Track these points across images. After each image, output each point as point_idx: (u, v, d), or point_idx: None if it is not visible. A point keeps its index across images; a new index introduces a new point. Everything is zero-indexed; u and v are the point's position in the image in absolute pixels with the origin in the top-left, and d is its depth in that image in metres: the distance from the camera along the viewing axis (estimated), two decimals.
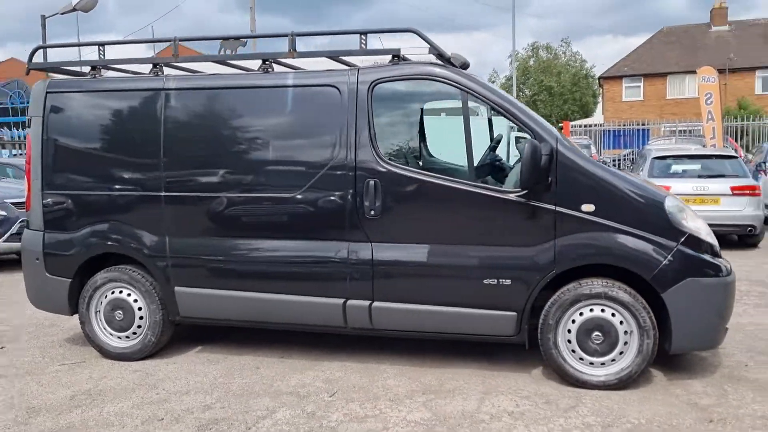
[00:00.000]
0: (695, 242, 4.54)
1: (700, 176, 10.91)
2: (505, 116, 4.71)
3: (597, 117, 42.62)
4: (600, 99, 47.01)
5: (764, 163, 14.27)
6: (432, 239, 4.81)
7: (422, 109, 6.09)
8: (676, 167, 11.31)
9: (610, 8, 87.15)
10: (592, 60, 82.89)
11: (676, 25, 43.46)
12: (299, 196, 4.96)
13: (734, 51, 38.46)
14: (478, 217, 4.74)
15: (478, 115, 5.31)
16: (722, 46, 39.86)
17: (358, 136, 4.83)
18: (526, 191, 4.57)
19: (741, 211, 10.33)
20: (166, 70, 5.46)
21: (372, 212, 4.81)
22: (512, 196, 4.63)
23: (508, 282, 4.67)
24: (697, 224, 4.63)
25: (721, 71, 37.81)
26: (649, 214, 4.55)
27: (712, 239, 4.64)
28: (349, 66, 5.21)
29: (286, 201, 5.00)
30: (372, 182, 4.79)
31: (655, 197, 4.63)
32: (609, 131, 24.66)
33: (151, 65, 5.43)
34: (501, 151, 7.10)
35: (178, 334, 5.71)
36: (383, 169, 4.80)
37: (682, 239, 4.49)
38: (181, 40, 5.24)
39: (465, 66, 4.93)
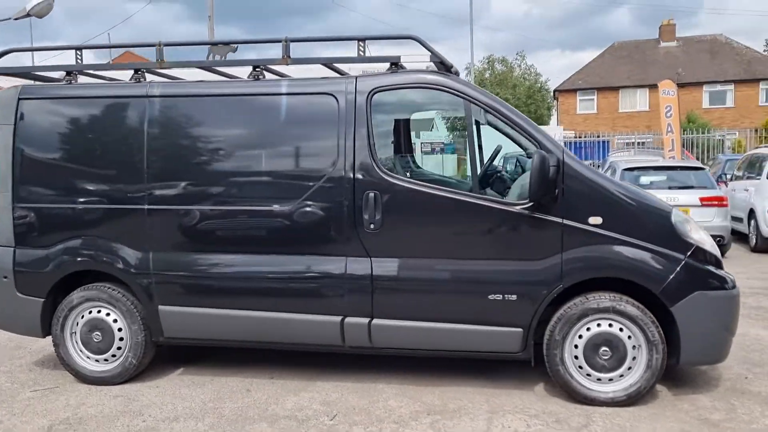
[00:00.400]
0: (702, 254, 4.48)
1: (669, 187, 11.04)
2: (509, 126, 4.59)
3: (552, 129, 43.32)
4: (554, 111, 47.83)
5: (724, 174, 14.59)
6: (434, 254, 4.64)
7: (427, 119, 5.92)
8: (645, 179, 11.42)
9: (558, 24, 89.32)
10: (543, 73, 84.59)
11: (627, 40, 44.58)
12: (295, 210, 4.73)
13: (682, 66, 39.64)
14: (482, 231, 4.59)
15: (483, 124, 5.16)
16: (671, 61, 41.04)
17: (356, 146, 4.64)
18: (532, 204, 4.45)
19: (710, 221, 10.48)
20: (149, 77, 5.17)
21: (371, 226, 4.61)
22: (518, 209, 4.50)
23: (514, 297, 4.53)
24: (701, 236, 4.59)
25: None
26: (657, 226, 4.49)
27: (716, 251, 4.60)
28: (340, 74, 5.02)
29: (281, 214, 4.77)
30: (372, 194, 4.60)
31: (662, 209, 4.57)
32: (569, 143, 25.05)
33: (132, 71, 5.13)
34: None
35: (158, 355, 5.38)
36: (383, 181, 4.61)
37: (690, 252, 4.44)
38: (166, 44, 4.97)
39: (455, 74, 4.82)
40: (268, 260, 4.84)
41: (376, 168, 4.62)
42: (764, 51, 47.01)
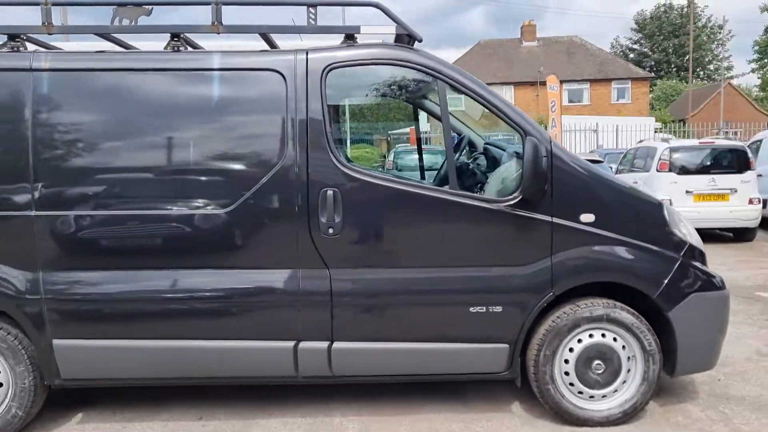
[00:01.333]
0: (693, 252, 4.11)
1: None
2: (488, 110, 3.95)
3: (422, 125, 43.74)
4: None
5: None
6: (406, 262, 3.92)
7: (389, 101, 5.15)
8: None
9: (416, 23, 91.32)
10: None
11: (491, 39, 46.07)
12: (232, 213, 3.83)
13: (543, 65, 41.48)
14: (461, 234, 3.93)
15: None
16: (533, 60, 42.87)
17: (309, 134, 3.82)
18: (517, 201, 3.85)
19: None
20: (30, 46, 4.03)
21: (330, 230, 3.81)
22: (503, 207, 3.88)
23: (499, 309, 3.92)
24: (689, 230, 4.21)
25: (532, 84, 40.77)
26: (651, 223, 4.05)
27: (702, 247, 4.24)
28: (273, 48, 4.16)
29: (214, 219, 3.84)
30: (330, 192, 3.80)
31: (654, 202, 4.14)
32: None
33: (5, 37, 3.96)
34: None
35: (49, 397, 4.23)
36: (343, 176, 3.83)
37: (683, 250, 4.04)
38: (55, 3, 3.86)
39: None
40: (198, 277, 3.90)
41: (334, 160, 3.83)
42: (610, 52, 50.37)
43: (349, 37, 3.98)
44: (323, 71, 3.84)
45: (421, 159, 6.23)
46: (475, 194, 4.02)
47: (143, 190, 3.88)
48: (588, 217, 3.92)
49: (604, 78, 42.25)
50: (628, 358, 3.99)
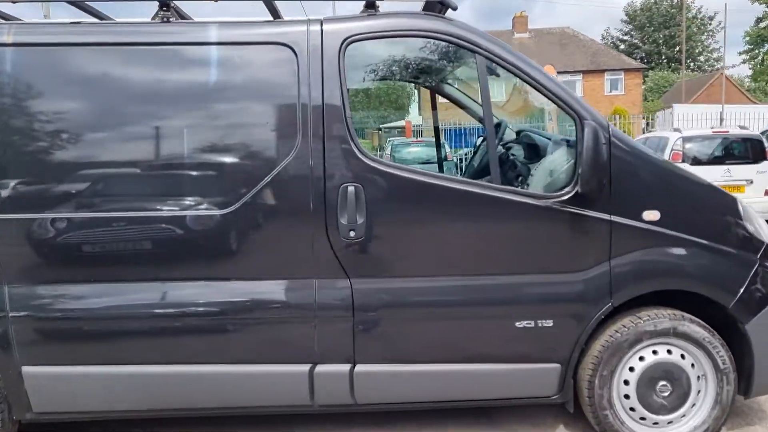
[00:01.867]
0: None
1: None
2: (537, 90, 3.36)
3: (413, 118, 43.22)
4: (414, 101, 47.76)
5: None
6: (441, 269, 3.33)
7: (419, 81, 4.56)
8: None
9: None
10: None
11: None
12: (233, 214, 3.22)
13: (535, 56, 40.66)
14: (506, 235, 3.34)
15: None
16: (525, 51, 41.56)
17: (326, 120, 3.21)
18: (569, 196, 3.27)
19: None
20: None
21: (351, 233, 3.22)
22: (553, 204, 3.29)
23: (549, 323, 3.34)
24: (763, 226, 3.65)
25: None
26: (724, 220, 3.49)
27: None
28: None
29: (212, 222, 3.24)
30: (351, 188, 3.20)
31: (727, 195, 3.57)
32: (451, 130, 24.60)
33: None
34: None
35: None
36: (367, 169, 3.23)
37: (762, 251, 3.48)
38: None
39: None
40: (195, 290, 3.29)
41: (356, 150, 3.23)
42: (602, 43, 49.92)
43: (370, 6, 3.37)
44: (342, 45, 3.23)
45: (438, 151, 5.64)
46: (521, 189, 3.43)
47: (127, 189, 3.27)
48: (652, 215, 3.34)
49: (597, 69, 41.73)
50: (698, 377, 3.44)
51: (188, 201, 3.26)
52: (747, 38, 50.95)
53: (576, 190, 3.24)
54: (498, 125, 4.51)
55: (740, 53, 53.00)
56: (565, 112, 3.31)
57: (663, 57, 60.56)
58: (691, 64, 60.70)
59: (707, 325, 3.42)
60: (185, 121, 3.27)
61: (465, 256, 3.33)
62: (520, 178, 3.79)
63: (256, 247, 3.28)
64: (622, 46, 61.18)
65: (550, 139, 3.88)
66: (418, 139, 20.68)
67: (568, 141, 3.51)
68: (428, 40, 3.40)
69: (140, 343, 3.29)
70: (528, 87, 3.43)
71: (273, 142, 3.25)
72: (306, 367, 3.30)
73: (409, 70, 4.14)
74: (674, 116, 22.56)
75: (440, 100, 5.15)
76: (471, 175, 4.40)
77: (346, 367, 3.31)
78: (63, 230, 3.20)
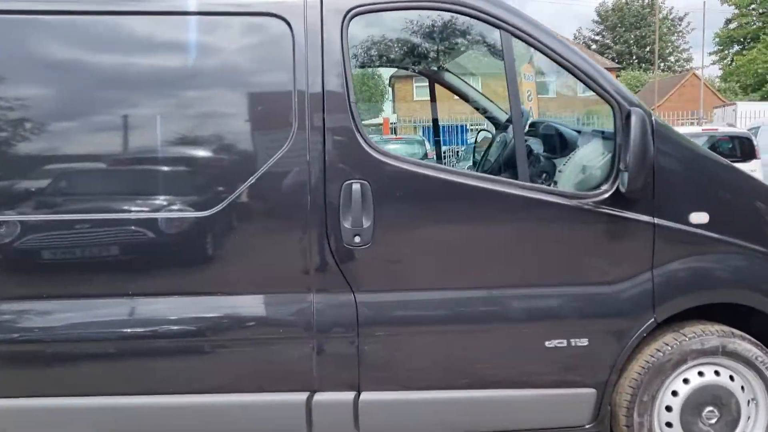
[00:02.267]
0: None
1: None
2: (572, 74, 2.90)
3: (388, 116, 42.77)
4: (389, 98, 47.27)
5: None
6: (461, 281, 2.87)
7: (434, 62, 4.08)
8: None
9: None
10: None
11: None
12: (216, 217, 2.72)
13: None
14: (534, 240, 2.89)
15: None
16: None
17: (327, 105, 2.72)
18: (608, 195, 2.83)
19: None
20: None
21: (357, 239, 2.73)
22: (588, 204, 2.85)
23: (584, 342, 2.90)
24: None
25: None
26: None
27: None
28: None
29: (191, 226, 2.73)
30: (356, 186, 2.71)
31: None
32: (429, 128, 24.23)
33: None
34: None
35: None
36: (375, 164, 2.75)
37: None
38: None
39: None
40: (170, 307, 2.78)
41: (362, 142, 2.74)
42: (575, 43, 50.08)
43: None
44: (344, 17, 2.74)
45: (439, 147, 5.18)
46: (551, 187, 2.98)
47: (87, 187, 2.76)
48: (700, 217, 2.92)
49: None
50: (748, 402, 3.03)
51: (161, 202, 2.76)
52: (717, 39, 51.53)
53: (615, 188, 2.81)
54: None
55: (710, 53, 53.38)
56: (603, 99, 2.85)
57: (634, 57, 61.06)
58: (662, 64, 61.28)
59: (759, 342, 3.01)
60: (158, 107, 2.76)
61: (490, 265, 2.87)
62: (544, 175, 3.34)
63: (242, 256, 2.77)
64: (594, 46, 61.57)
65: (577, 131, 3.44)
66: (398, 136, 20.24)
67: (603, 132, 3.08)
68: (445, 12, 2.92)
69: (105, 370, 2.77)
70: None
71: (263, 132, 2.75)
72: (303, 396, 2.81)
73: (417, 52, 3.67)
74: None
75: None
76: (486, 172, 3.95)
77: (350, 395, 2.83)
78: (16, 234, 2.67)
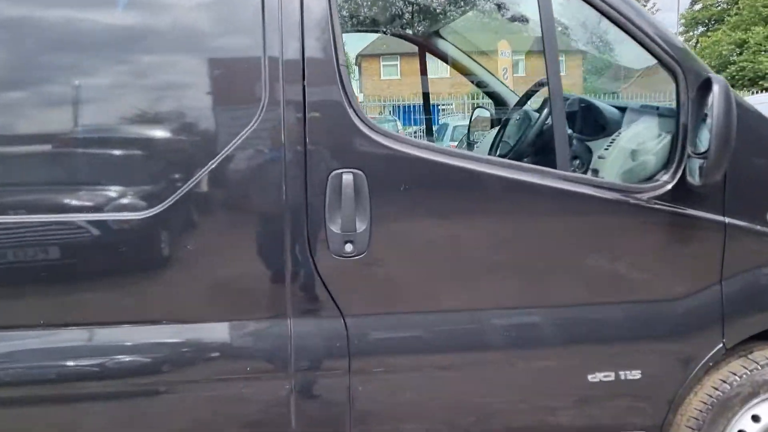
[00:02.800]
0: None
1: None
2: (628, 33, 2.23)
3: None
4: (354, 77, 46.48)
5: None
6: (482, 300, 2.21)
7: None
8: None
9: None
10: None
11: None
12: (161, 218, 2.01)
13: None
14: (577, 247, 2.24)
15: None
16: None
17: (308, 73, 2.02)
18: (669, 188, 2.21)
19: None
20: None
21: (348, 247, 2.06)
22: (643, 199, 2.21)
23: (637, 375, 2.29)
24: None
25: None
26: None
27: None
28: None
29: (129, 230, 2.02)
30: (348, 177, 2.03)
31: None
32: (403, 107, 23.62)
33: None
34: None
35: None
36: (372, 147, 2.06)
37: None
38: None
39: None
40: (101, 339, 2.08)
41: (355, 119, 2.05)
42: None
43: None
44: None
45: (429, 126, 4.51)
46: (596, 178, 2.35)
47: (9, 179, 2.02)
48: None
49: (538, 51, 41.51)
50: None
51: (85, 200, 2.03)
52: (683, 20, 51.75)
53: (677, 179, 2.19)
54: (539, 85, 3.40)
55: (676, 34, 53.67)
56: (665, 66, 2.21)
57: None
58: None
59: None
60: (88, 76, 2.02)
61: (518, 279, 2.22)
62: (577, 161, 2.69)
63: (195, 271, 2.07)
64: (560, 29, 61.47)
65: (618, 108, 2.80)
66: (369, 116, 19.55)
67: (657, 108, 2.45)
68: None
69: (18, 420, 2.06)
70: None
71: (225, 106, 2.05)
72: None
73: (414, 10, 3.00)
74: None
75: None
76: (513, 155, 3.25)
77: None
78: None
